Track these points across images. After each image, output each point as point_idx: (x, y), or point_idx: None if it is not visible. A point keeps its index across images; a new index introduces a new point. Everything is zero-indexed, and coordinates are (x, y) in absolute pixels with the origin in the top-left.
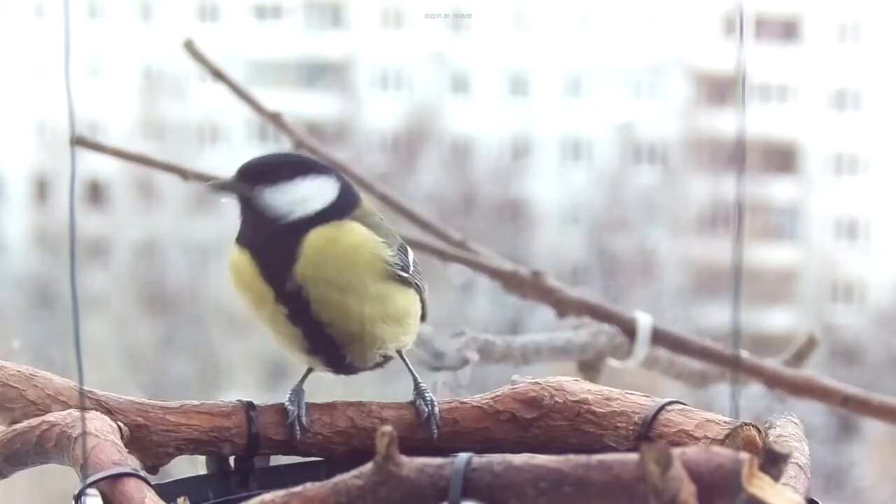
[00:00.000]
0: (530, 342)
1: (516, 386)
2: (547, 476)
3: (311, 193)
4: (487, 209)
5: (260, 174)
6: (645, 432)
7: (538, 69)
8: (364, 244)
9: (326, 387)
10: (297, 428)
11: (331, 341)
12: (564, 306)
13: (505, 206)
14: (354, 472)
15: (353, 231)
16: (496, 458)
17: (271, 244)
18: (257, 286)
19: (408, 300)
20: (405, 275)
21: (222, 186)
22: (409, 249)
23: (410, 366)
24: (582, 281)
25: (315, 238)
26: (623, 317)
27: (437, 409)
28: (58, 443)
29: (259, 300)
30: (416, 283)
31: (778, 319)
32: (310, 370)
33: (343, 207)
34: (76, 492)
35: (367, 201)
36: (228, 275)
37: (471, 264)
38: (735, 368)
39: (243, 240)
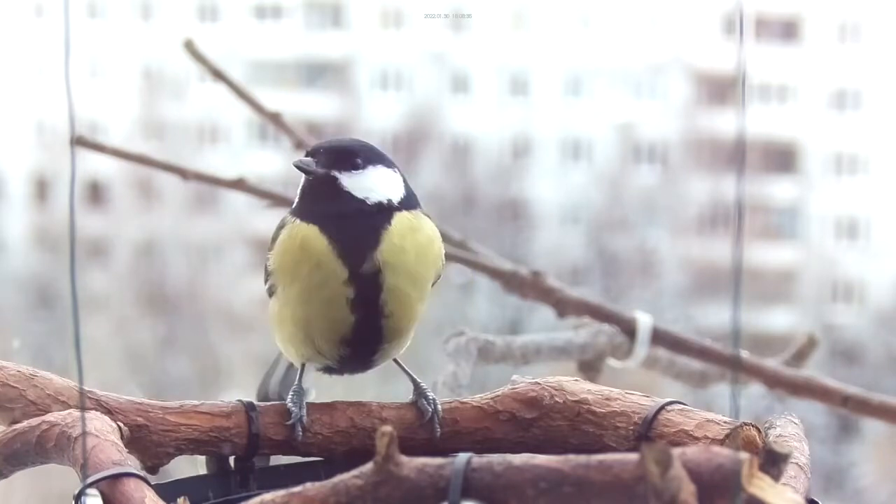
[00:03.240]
0: (530, 342)
1: (516, 386)
2: (547, 476)
3: (386, 183)
4: (487, 209)
5: (342, 158)
6: (645, 432)
7: (538, 69)
8: (436, 239)
9: (326, 387)
10: (300, 429)
11: (377, 334)
12: (564, 306)
13: (505, 206)
14: (354, 472)
15: (427, 224)
16: (496, 458)
17: (353, 224)
18: (330, 264)
19: None
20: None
21: (308, 167)
22: None
23: (406, 367)
24: (582, 281)
25: (400, 224)
26: (623, 317)
27: (440, 408)
28: (58, 443)
29: (325, 279)
30: None
31: (778, 319)
32: (304, 366)
33: (411, 201)
34: (76, 492)
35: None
36: (290, 247)
37: (471, 264)
38: (735, 368)
39: (311, 216)
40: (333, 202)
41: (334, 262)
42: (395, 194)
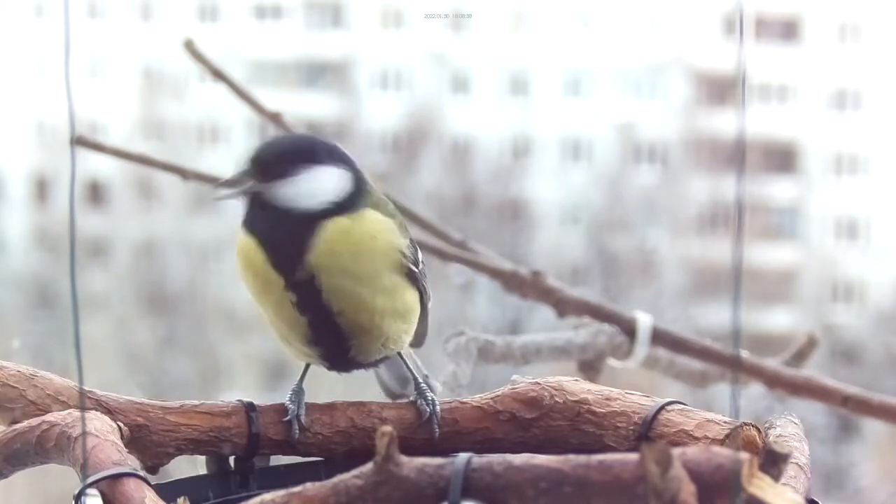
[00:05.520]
0: (530, 342)
1: (516, 386)
2: (547, 476)
3: (322, 185)
4: (487, 209)
5: (270, 168)
6: (645, 432)
7: (538, 69)
8: (381, 232)
9: (327, 387)
10: (296, 426)
11: (337, 332)
12: (564, 306)
13: (505, 206)
14: (354, 472)
15: (370, 219)
16: (496, 458)
17: (281, 234)
18: (265, 273)
19: (414, 298)
20: (416, 269)
21: (233, 184)
22: (418, 248)
23: (410, 366)
24: (582, 281)
25: (330, 230)
26: (623, 317)
27: (438, 408)
28: (58, 443)
29: (266, 287)
30: (422, 286)
31: (778, 319)
32: (307, 367)
33: (356, 197)
34: (76, 492)
35: (376, 187)
36: (236, 259)
37: (471, 264)
38: (735, 368)
39: (250, 225)
40: (265, 213)
41: (270, 271)
42: (331, 195)
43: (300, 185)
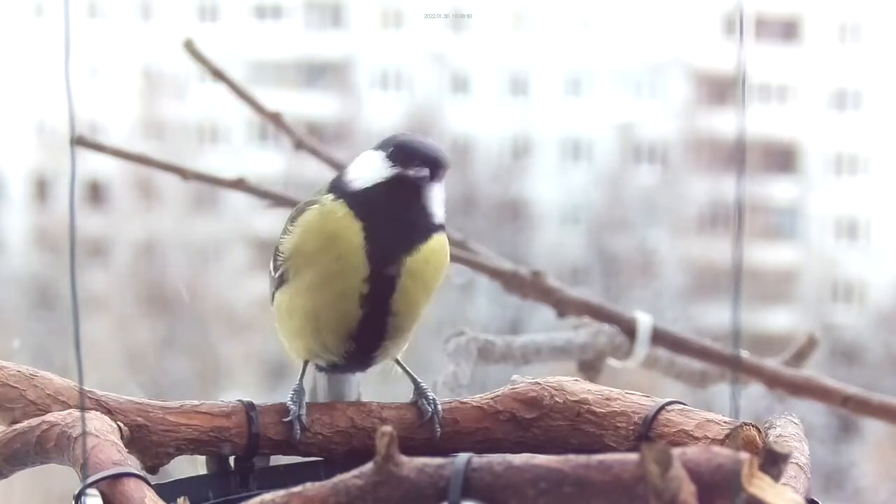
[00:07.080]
0: (530, 342)
1: (516, 386)
2: (547, 476)
3: (441, 198)
4: (487, 209)
5: (439, 169)
6: (645, 432)
7: (538, 69)
8: (447, 255)
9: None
10: (298, 427)
11: (381, 330)
12: (564, 306)
13: (505, 206)
14: (354, 472)
15: (445, 241)
16: (496, 458)
17: (402, 229)
18: (355, 259)
19: None
20: None
21: (418, 171)
22: None
23: (407, 367)
24: (582, 281)
25: (434, 241)
26: (623, 317)
27: (440, 408)
28: (58, 443)
29: (346, 272)
30: None
31: (778, 319)
32: (306, 364)
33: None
34: (76, 492)
35: None
36: (317, 231)
37: (471, 264)
38: (735, 368)
39: (360, 209)
40: (397, 203)
41: (361, 260)
42: (444, 212)
43: (440, 193)
